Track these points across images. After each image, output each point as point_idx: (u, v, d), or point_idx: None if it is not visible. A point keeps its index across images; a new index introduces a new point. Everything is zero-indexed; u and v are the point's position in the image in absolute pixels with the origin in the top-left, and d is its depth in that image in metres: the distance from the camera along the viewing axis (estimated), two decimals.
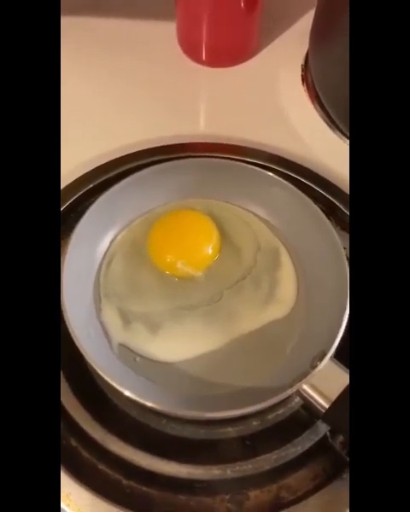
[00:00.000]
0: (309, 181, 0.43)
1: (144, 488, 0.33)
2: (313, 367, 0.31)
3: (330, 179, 0.43)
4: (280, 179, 0.39)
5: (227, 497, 0.32)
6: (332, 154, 0.45)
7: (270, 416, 0.35)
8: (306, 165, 0.44)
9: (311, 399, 0.31)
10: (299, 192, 0.38)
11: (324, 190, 0.42)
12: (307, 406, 0.32)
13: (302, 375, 0.31)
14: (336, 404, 0.30)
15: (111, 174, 0.43)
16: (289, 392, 0.31)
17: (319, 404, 0.31)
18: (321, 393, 0.31)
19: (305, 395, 0.31)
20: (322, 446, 0.34)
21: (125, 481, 0.33)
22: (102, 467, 0.33)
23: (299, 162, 0.44)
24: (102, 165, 0.44)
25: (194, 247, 0.38)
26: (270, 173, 0.39)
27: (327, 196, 0.42)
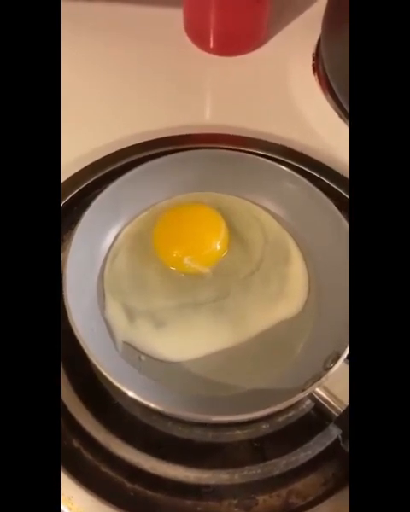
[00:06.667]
0: (321, 174, 0.42)
1: (149, 492, 0.31)
2: (327, 369, 0.30)
3: (342, 173, 0.42)
4: (292, 172, 0.37)
5: (235, 502, 0.31)
6: (345, 147, 0.43)
7: (280, 419, 0.33)
8: (317, 157, 0.43)
9: (323, 402, 0.30)
10: (311, 186, 0.37)
11: (336, 184, 0.41)
12: (319, 409, 0.31)
13: (316, 378, 0.30)
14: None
15: (115, 166, 0.42)
16: (302, 395, 0.29)
17: (332, 407, 0.30)
18: (334, 396, 0.30)
19: (317, 397, 0.30)
20: (333, 450, 0.33)
21: (129, 485, 0.32)
22: (105, 469, 0.32)
23: (310, 155, 0.43)
24: (105, 157, 0.43)
25: (202, 242, 0.37)
26: (281, 166, 0.38)
27: (339, 191, 0.41)
